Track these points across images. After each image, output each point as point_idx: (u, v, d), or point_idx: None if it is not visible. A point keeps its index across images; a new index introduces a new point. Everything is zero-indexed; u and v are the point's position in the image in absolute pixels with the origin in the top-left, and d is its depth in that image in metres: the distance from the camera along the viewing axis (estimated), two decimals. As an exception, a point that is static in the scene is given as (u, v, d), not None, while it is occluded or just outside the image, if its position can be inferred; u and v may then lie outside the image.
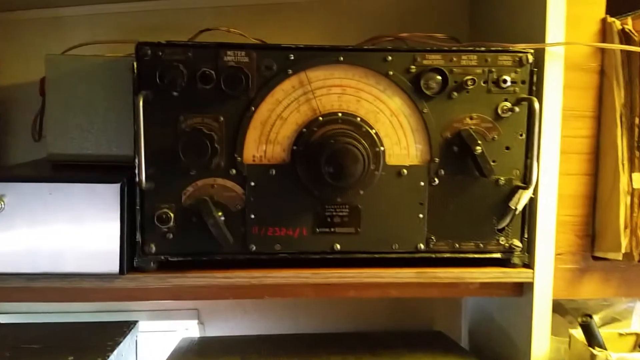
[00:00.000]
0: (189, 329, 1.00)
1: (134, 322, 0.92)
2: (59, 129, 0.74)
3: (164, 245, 0.69)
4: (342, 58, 0.68)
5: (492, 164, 0.69)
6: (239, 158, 0.68)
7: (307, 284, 0.71)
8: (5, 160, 0.96)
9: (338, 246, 0.70)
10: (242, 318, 1.01)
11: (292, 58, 0.68)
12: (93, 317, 0.97)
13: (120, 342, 0.82)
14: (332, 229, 0.70)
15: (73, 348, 0.79)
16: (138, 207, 0.68)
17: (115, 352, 0.79)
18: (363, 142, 0.67)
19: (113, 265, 0.68)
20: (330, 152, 0.65)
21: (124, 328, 0.89)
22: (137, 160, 0.66)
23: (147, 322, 0.98)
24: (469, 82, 0.69)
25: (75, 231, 0.67)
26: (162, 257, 0.69)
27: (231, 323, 1.01)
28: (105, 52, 0.84)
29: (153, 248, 0.69)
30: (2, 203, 0.66)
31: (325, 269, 0.70)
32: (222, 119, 0.68)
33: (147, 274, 0.69)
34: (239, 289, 0.72)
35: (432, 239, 0.71)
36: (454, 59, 0.70)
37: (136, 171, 0.66)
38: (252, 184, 0.69)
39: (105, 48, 0.85)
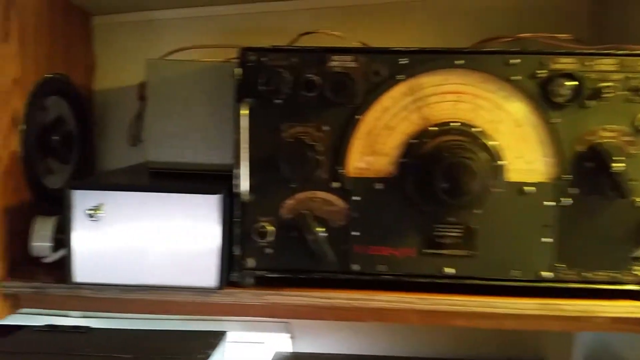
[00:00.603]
0: (278, 342, 0.96)
1: (223, 333, 0.89)
2: (158, 136, 0.72)
3: (262, 260, 0.65)
4: (458, 62, 0.62)
5: (631, 183, 0.60)
6: (342, 170, 0.64)
7: (412, 310, 0.65)
8: (101, 165, 0.96)
9: (448, 270, 0.64)
10: (334, 335, 0.97)
11: (403, 62, 0.62)
12: (182, 324, 0.96)
13: (210, 354, 0.80)
14: (442, 251, 0.64)
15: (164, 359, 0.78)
16: (237, 220, 0.65)
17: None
18: (481, 155, 0.60)
19: (210, 280, 0.65)
20: (444, 166, 0.59)
21: (214, 339, 0.87)
22: (238, 171, 0.63)
23: (235, 333, 0.96)
24: (606, 90, 0.61)
25: (173, 243, 0.65)
26: (261, 273, 0.66)
27: (323, 339, 0.97)
28: (200, 57, 0.82)
29: (252, 263, 0.65)
30: (100, 212, 0.65)
31: (432, 294, 0.64)
32: (325, 128, 0.63)
33: (244, 290, 0.66)
34: (338, 311, 0.67)
35: (558, 266, 0.63)
36: (587, 63, 0.61)
37: (236, 182, 0.63)
38: (356, 198, 0.64)
39: (200, 53, 0.84)
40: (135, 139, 0.88)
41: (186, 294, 0.66)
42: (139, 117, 0.87)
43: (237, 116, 0.62)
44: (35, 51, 0.75)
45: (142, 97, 0.79)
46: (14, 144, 0.71)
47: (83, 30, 0.92)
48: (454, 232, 0.63)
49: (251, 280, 0.66)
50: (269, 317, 0.68)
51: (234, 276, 0.66)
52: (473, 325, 0.66)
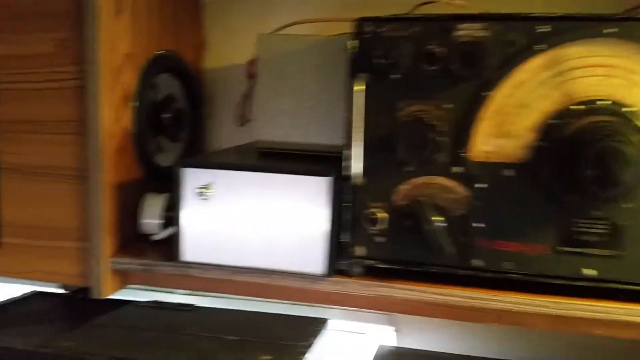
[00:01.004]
0: (380, 334, 0.92)
1: (325, 321, 0.86)
2: (268, 114, 0.69)
3: (373, 249, 0.61)
4: (609, 30, 0.53)
5: None
6: (465, 154, 0.57)
7: (543, 314, 0.57)
8: (209, 145, 0.96)
9: (587, 272, 0.55)
10: (442, 331, 0.90)
11: (543, 30, 0.54)
12: (281, 307, 0.94)
13: (313, 343, 0.77)
14: (582, 250, 0.55)
15: (268, 345, 0.76)
16: (348, 205, 0.61)
17: (308, 354, 0.73)
18: (635, 140, 0.51)
19: (318, 266, 0.62)
20: (593, 151, 0.50)
21: (316, 326, 0.83)
22: (349, 152, 0.58)
23: (336, 321, 0.93)
24: None
25: (281, 225, 0.62)
26: (370, 262, 0.61)
27: (428, 334, 0.91)
28: (313, 31, 0.78)
29: (361, 251, 0.61)
30: (210, 190, 0.64)
31: (568, 298, 0.56)
32: (447, 106, 0.57)
33: (352, 279, 0.62)
34: (454, 309, 0.61)
35: None
36: None
37: (347, 164, 0.59)
38: (480, 185, 0.57)
39: (312, 28, 0.80)
40: (243, 119, 0.86)
41: (292, 279, 0.63)
42: (248, 96, 0.85)
43: (350, 93, 0.58)
44: (147, 27, 0.75)
45: (251, 75, 0.77)
46: (126, 120, 0.71)
47: (193, 7, 0.91)
48: (598, 229, 0.54)
49: (359, 270, 0.62)
50: (377, 309, 0.63)
51: (342, 264, 0.62)
52: (613, 335, 0.57)
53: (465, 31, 0.56)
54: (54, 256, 0.70)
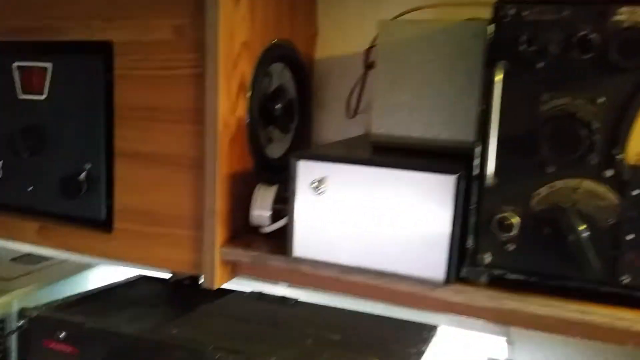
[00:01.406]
0: (491, 344, 0.85)
1: (435, 327, 0.81)
2: (385, 106, 0.65)
3: (501, 256, 0.55)
4: None
5: None
6: (620, 155, 0.50)
7: None
8: (316, 137, 0.93)
9: None
10: (560, 346, 0.82)
11: None
12: (388, 308, 0.90)
13: (424, 351, 0.72)
14: None
15: (375, 347, 0.72)
16: (474, 207, 0.55)
17: (418, 362, 0.69)
18: None
19: (437, 272, 0.57)
20: None
21: (425, 333, 0.79)
22: (480, 149, 0.53)
23: (445, 327, 0.87)
24: None
25: (398, 225, 0.58)
26: (499, 272, 0.55)
27: (546, 350, 0.83)
28: (436, 17, 0.73)
29: (488, 258, 0.55)
30: (325, 185, 0.61)
31: None
32: (601, 100, 0.50)
33: (476, 289, 0.57)
34: (594, 329, 0.53)
35: None
36: None
37: (477, 162, 0.54)
38: (636, 192, 0.50)
39: (436, 13, 0.74)
40: (354, 111, 0.83)
41: (408, 283, 0.59)
42: (361, 86, 0.82)
43: (486, 83, 0.52)
44: (264, 16, 0.73)
45: (368, 64, 0.73)
46: (241, 110, 0.70)
47: (307, -4, 0.89)
48: None
49: (484, 279, 0.57)
50: (504, 323, 0.58)
51: (465, 271, 0.57)
52: None
53: (627, 15, 0.48)
54: (167, 243, 0.71)
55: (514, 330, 0.85)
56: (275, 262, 0.65)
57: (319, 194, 0.61)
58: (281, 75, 0.81)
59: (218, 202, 0.67)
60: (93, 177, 0.75)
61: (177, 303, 0.89)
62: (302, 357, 0.69)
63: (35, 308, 0.79)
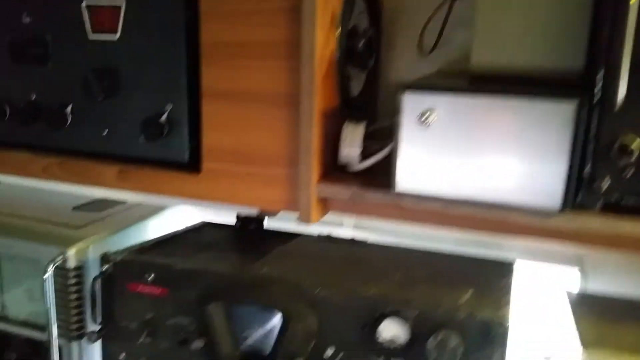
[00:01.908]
0: (565, 276, 0.87)
1: (512, 262, 0.82)
2: (487, 32, 0.64)
3: (619, 182, 0.55)
4: None
5: None
6: None
7: None
8: (388, 75, 0.91)
9: None
10: (631, 274, 0.84)
11: None
12: (458, 244, 0.91)
13: (511, 283, 0.74)
14: None
15: (465, 281, 0.73)
16: (593, 133, 0.55)
17: (510, 295, 0.70)
18: None
19: (552, 200, 0.57)
20: None
21: (505, 267, 0.80)
22: (603, 74, 0.52)
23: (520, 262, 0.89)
24: None
25: (509, 155, 0.58)
26: (615, 197, 0.56)
27: (618, 279, 0.85)
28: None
29: (605, 185, 0.56)
30: (432, 117, 0.60)
31: None
32: None
33: (591, 216, 0.57)
34: None
35: None
36: None
37: (599, 87, 0.53)
38: None
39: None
40: (433, 46, 0.81)
41: (521, 214, 0.59)
42: (446, 16, 0.80)
43: (619, 6, 0.51)
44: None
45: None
46: (332, 45, 0.68)
47: None
48: None
49: (599, 205, 0.57)
50: (621, 249, 0.58)
51: (581, 198, 0.57)
52: None
53: None
54: (259, 182, 0.70)
55: (587, 261, 0.87)
56: (376, 197, 0.65)
57: (425, 126, 0.60)
58: (361, 11, 0.79)
59: (314, 138, 0.66)
60: (175, 118, 0.74)
61: (250, 246, 0.89)
62: (399, 289, 0.70)
63: (117, 253, 0.79)
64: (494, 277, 0.76)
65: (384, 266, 0.80)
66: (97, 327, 0.79)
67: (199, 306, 0.72)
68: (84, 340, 0.85)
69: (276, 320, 0.70)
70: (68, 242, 0.83)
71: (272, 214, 0.80)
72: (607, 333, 0.65)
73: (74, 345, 0.84)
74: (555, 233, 0.59)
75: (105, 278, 0.78)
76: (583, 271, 0.87)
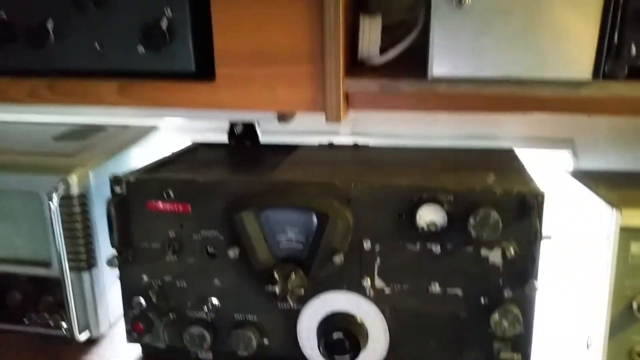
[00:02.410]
0: (558, 159, 0.93)
1: (512, 149, 0.86)
2: None
3: (646, 47, 0.58)
4: None
5: None
6: None
7: None
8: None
9: None
10: (622, 151, 0.91)
11: None
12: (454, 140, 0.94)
13: (523, 166, 0.78)
14: None
15: (481, 169, 0.76)
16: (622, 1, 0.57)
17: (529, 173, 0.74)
18: None
19: (583, 71, 0.60)
20: None
21: (508, 154, 0.84)
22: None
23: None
24: None
25: (540, 29, 0.59)
26: (642, 62, 0.59)
27: (607, 158, 0.92)
28: None
29: (633, 51, 0.59)
30: (465, -2, 0.60)
31: None
32: None
33: (619, 82, 0.60)
34: None
35: None
36: None
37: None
38: None
39: None
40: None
41: (553, 87, 0.61)
42: None
43: None
44: None
45: None
46: None
47: None
48: None
49: (626, 71, 0.60)
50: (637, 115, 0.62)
51: (609, 66, 0.60)
52: None
53: None
54: (281, 83, 0.68)
55: (579, 142, 0.92)
56: (408, 87, 0.65)
57: (459, 7, 0.60)
58: None
59: (340, 30, 0.64)
60: (176, 23, 0.69)
61: (256, 159, 0.87)
62: (428, 178, 0.72)
63: (126, 175, 0.75)
64: (504, 162, 0.80)
65: (401, 163, 0.81)
66: (115, 253, 0.75)
67: (230, 216, 0.70)
68: (94, 271, 0.82)
69: (310, 220, 0.70)
70: (66, 170, 0.78)
71: (287, 119, 0.78)
72: (626, 194, 0.70)
73: (85, 276, 0.81)
74: (586, 103, 0.62)
75: (120, 200, 0.74)
76: (574, 153, 0.93)
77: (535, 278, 0.66)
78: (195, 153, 0.91)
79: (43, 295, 0.83)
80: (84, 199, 0.79)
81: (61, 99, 0.74)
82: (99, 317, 0.84)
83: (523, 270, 0.66)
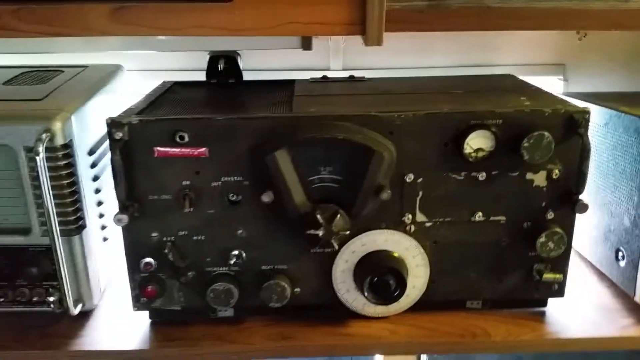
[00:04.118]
0: (551, 86, 0.93)
1: (514, 76, 0.85)
2: None
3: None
4: None
5: None
6: None
7: None
8: None
9: None
10: (611, 74, 0.93)
11: None
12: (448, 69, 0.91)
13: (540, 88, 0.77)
14: None
15: (506, 91, 0.74)
16: None
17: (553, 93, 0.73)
18: None
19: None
20: None
21: (516, 80, 0.82)
22: None
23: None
24: None
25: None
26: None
27: (595, 82, 0.94)
28: None
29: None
30: None
31: None
32: None
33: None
34: None
35: None
36: None
37: None
38: None
39: None
40: None
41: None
42: None
43: None
44: None
45: None
46: None
47: None
48: None
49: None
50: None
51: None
52: None
53: None
54: (314, 1, 0.60)
55: (569, 68, 0.93)
56: (460, 3, 0.60)
57: None
58: None
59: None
60: None
61: (257, 97, 0.78)
62: (465, 104, 0.68)
63: (127, 117, 0.64)
64: (519, 86, 0.78)
65: (419, 92, 0.76)
66: (121, 208, 0.65)
67: (260, 157, 0.63)
68: (84, 234, 0.70)
69: (346, 157, 0.64)
70: (46, 117, 0.64)
71: (310, 46, 0.70)
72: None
73: (75, 241, 0.69)
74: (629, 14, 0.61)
75: (122, 148, 0.63)
76: (565, 78, 0.94)
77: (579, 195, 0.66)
78: (176, 93, 0.80)
79: (21, 269, 0.70)
80: (68, 149, 0.66)
81: (35, 28, 0.60)
82: (92, 287, 0.73)
83: (568, 190, 0.66)
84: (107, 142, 0.64)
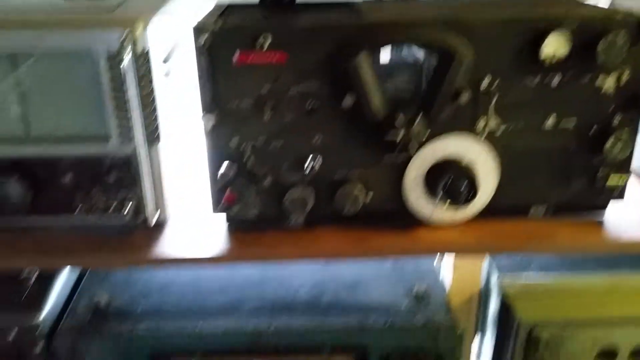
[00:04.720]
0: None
1: None
2: None
3: None
4: None
5: None
6: None
7: None
8: None
9: None
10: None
11: None
12: None
13: None
14: None
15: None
16: None
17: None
18: None
19: None
20: None
21: None
22: None
23: None
24: None
25: None
26: None
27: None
28: None
29: None
30: None
31: None
32: None
33: None
34: None
35: None
36: None
37: None
38: None
39: None
40: None
41: None
42: None
43: None
44: None
45: None
46: None
47: None
48: None
49: None
50: None
51: None
52: None
53: None
54: None
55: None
56: None
57: None
58: None
59: None
60: None
61: (322, 16, 0.77)
62: (535, 8, 0.69)
63: (208, 23, 0.64)
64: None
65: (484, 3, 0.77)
66: (207, 111, 0.66)
67: (342, 62, 0.64)
68: (161, 143, 0.71)
69: (423, 62, 0.65)
70: (128, 23, 0.65)
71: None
72: None
73: (155, 150, 0.71)
74: None
75: (205, 53, 0.64)
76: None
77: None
78: (233, 14, 0.80)
79: (98, 178, 0.72)
80: (148, 56, 0.67)
81: None
82: (166, 198, 0.75)
83: (635, 94, 0.68)
84: (177, 52, 0.64)
